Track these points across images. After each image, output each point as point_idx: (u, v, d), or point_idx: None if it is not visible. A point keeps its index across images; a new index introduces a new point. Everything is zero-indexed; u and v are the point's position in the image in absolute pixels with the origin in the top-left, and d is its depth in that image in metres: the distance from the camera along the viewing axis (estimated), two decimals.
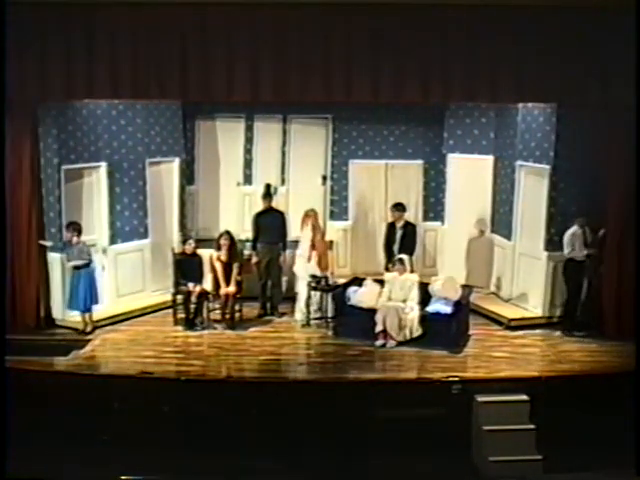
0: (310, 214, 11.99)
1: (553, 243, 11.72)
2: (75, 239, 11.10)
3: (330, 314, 11.75)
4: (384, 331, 10.83)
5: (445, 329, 10.73)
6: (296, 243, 12.16)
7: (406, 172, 13.95)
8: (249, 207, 13.59)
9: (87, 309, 11.27)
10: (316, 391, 9.56)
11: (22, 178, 11.15)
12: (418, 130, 13.87)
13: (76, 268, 11.15)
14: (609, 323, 11.28)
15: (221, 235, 11.80)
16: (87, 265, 11.20)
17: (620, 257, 11.13)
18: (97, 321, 11.53)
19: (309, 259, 11.81)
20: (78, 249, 11.14)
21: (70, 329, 11.40)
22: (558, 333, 11.45)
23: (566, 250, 11.28)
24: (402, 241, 12.17)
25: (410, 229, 12.32)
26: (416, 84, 10.53)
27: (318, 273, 11.77)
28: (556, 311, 11.78)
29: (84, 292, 11.14)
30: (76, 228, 11.14)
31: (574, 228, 11.26)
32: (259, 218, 12.37)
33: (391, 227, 12.38)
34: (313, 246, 11.86)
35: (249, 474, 8.79)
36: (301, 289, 11.92)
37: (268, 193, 12.52)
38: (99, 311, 11.71)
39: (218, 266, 11.62)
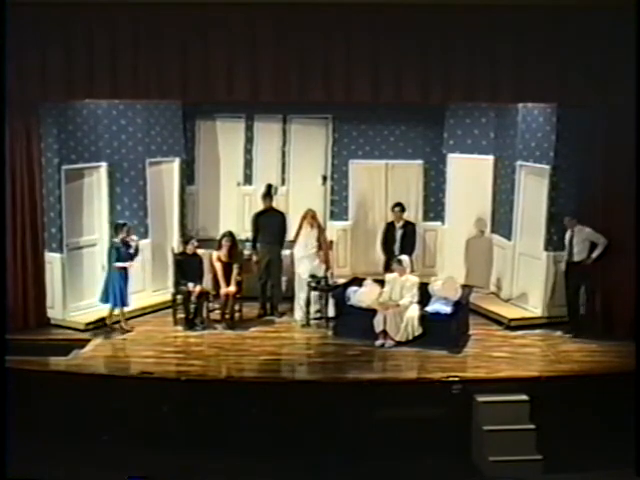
0: (313, 214, 11.99)
1: (553, 243, 11.73)
2: (127, 238, 11.38)
3: (330, 314, 11.76)
4: (384, 331, 10.83)
5: (445, 329, 10.72)
6: (293, 243, 12.17)
7: (406, 172, 13.94)
8: (249, 207, 13.60)
9: (123, 304, 11.48)
10: (316, 391, 9.56)
11: (23, 178, 11.16)
12: (418, 130, 13.86)
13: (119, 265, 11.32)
14: (613, 324, 11.29)
15: (224, 236, 11.80)
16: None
17: (620, 257, 11.13)
18: (97, 321, 11.56)
19: (319, 258, 11.82)
20: (133, 248, 11.41)
21: (70, 329, 11.40)
22: (558, 333, 11.44)
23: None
24: (402, 241, 12.18)
25: (410, 228, 12.34)
26: (416, 84, 10.52)
27: (321, 273, 11.77)
28: (556, 311, 11.77)
29: (122, 289, 11.35)
30: (129, 228, 11.47)
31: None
32: (259, 218, 12.37)
33: (390, 226, 12.39)
34: (320, 246, 11.88)
35: (249, 474, 8.80)
36: (301, 289, 11.92)
37: (269, 193, 12.52)
38: (99, 311, 11.74)
39: (218, 266, 11.62)
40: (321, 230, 12.08)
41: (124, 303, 11.45)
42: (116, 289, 11.30)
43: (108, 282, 11.36)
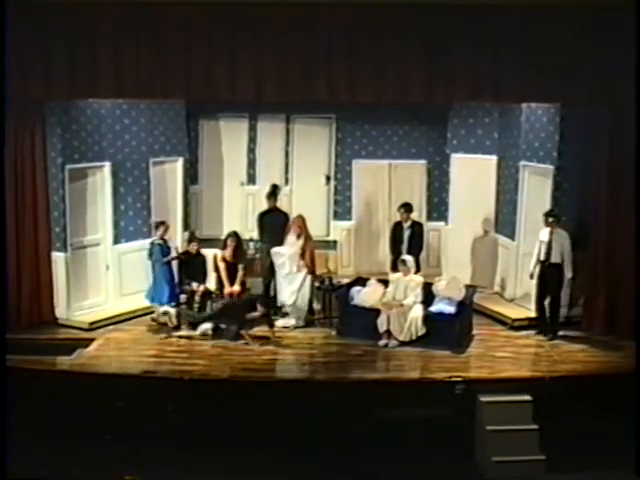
0: (300, 223, 11.70)
1: None
2: (162, 235, 11.53)
3: (334, 314, 11.74)
4: (388, 331, 10.83)
5: (448, 329, 10.72)
6: None
7: (410, 172, 13.95)
8: (252, 207, 13.64)
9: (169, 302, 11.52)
10: (319, 391, 9.56)
11: (26, 178, 11.17)
12: (422, 130, 13.88)
13: (161, 263, 11.46)
14: (615, 325, 11.28)
15: (229, 235, 11.77)
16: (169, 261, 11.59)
17: (623, 257, 11.13)
18: (100, 320, 11.56)
19: (298, 269, 11.61)
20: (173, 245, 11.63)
21: (74, 328, 11.40)
22: (560, 333, 11.40)
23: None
24: (410, 241, 12.13)
25: (417, 229, 12.25)
26: (420, 84, 10.55)
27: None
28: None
29: (168, 286, 11.47)
30: (166, 226, 11.61)
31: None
32: (263, 218, 12.37)
33: (398, 226, 12.30)
34: (302, 255, 11.66)
35: (250, 474, 8.79)
36: (283, 290, 11.75)
37: (273, 193, 12.51)
38: (102, 311, 11.75)
39: (222, 266, 11.62)
40: (307, 241, 11.69)
41: (173, 299, 11.49)
42: (164, 286, 11.42)
43: (155, 280, 11.49)
